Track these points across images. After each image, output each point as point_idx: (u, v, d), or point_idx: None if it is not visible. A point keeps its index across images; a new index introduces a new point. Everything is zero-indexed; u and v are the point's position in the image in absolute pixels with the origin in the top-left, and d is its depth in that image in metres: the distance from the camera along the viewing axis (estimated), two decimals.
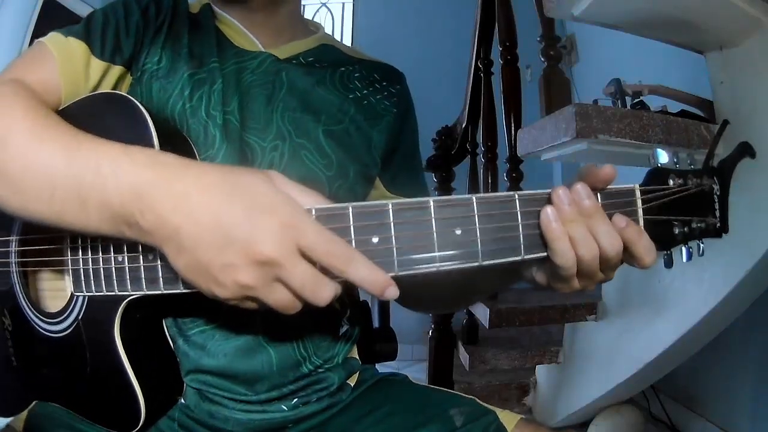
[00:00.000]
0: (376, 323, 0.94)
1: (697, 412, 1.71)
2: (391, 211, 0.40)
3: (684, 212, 0.45)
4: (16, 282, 0.58)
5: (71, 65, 0.54)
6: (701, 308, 1.15)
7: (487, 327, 1.48)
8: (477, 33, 1.88)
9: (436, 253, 0.40)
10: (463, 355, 1.72)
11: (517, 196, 0.41)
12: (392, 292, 0.39)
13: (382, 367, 0.74)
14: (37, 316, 0.56)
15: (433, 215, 0.40)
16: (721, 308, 1.12)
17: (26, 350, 0.58)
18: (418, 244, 0.40)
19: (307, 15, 3.44)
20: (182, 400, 0.58)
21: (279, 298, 0.38)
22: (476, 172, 1.93)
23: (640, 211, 0.44)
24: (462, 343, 1.75)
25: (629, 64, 1.91)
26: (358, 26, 3.37)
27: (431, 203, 0.40)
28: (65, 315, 0.53)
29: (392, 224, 0.40)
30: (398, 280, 0.40)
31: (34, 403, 0.57)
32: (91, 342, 0.51)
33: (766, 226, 0.97)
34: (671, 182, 0.44)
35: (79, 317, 0.51)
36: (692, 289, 1.19)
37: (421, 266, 0.40)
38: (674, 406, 1.80)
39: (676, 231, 0.45)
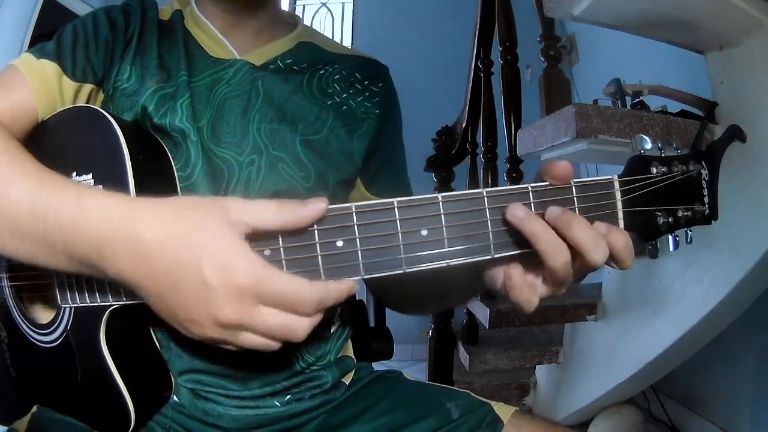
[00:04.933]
0: (372, 322, 0.94)
1: (697, 412, 1.71)
2: (354, 213, 0.39)
3: (669, 201, 0.42)
4: (9, 295, 0.58)
5: (46, 88, 0.55)
6: (701, 308, 1.15)
7: (487, 327, 1.48)
8: (477, 33, 1.88)
9: (402, 256, 0.39)
10: (463, 355, 1.72)
11: (485, 194, 0.40)
12: (355, 289, 0.40)
13: (379, 366, 0.74)
14: (29, 328, 0.57)
15: (397, 216, 0.39)
16: (721, 308, 1.12)
17: (22, 360, 0.59)
18: (383, 246, 0.39)
19: (307, 15, 3.44)
20: (176, 398, 0.58)
21: (252, 344, 0.39)
22: (476, 172, 1.93)
23: (619, 204, 0.42)
24: (462, 343, 1.75)
25: (629, 64, 1.91)
26: (358, 26, 3.38)
27: (395, 204, 0.39)
28: (55, 326, 0.53)
29: (356, 227, 0.39)
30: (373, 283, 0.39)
31: (35, 407, 0.58)
32: (80, 351, 0.51)
33: (766, 226, 0.97)
34: (654, 170, 0.42)
35: (68, 328, 0.52)
36: (692, 289, 1.19)
37: (386, 270, 0.40)
38: (674, 406, 1.80)
39: (660, 221, 0.42)
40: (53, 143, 0.53)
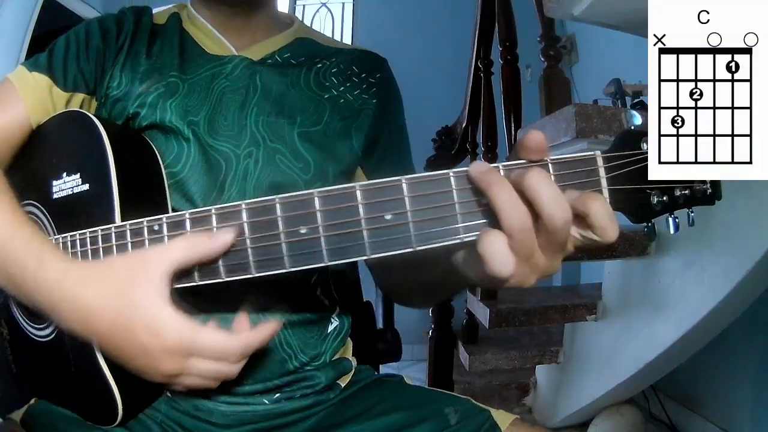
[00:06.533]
0: (380, 324, 0.94)
1: (697, 412, 1.71)
2: (316, 199, 0.39)
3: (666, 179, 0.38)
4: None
5: (38, 100, 0.58)
6: (701, 308, 1.15)
7: (487, 327, 1.48)
8: (477, 33, 1.88)
9: (366, 241, 0.38)
10: (463, 355, 1.72)
11: (451, 174, 0.38)
12: (279, 327, 0.47)
13: (385, 368, 0.74)
14: (27, 323, 0.58)
15: (359, 201, 0.38)
16: (721, 308, 1.12)
17: (21, 354, 0.60)
18: (346, 232, 0.39)
19: (307, 15, 3.44)
20: (168, 393, 0.58)
21: (193, 385, 0.45)
22: None
23: (604, 181, 0.38)
24: (462, 343, 1.75)
25: (629, 64, 1.90)
26: (358, 26, 3.38)
27: (357, 189, 0.38)
28: (48, 320, 0.55)
29: (318, 213, 0.39)
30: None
31: (33, 400, 0.59)
32: (71, 344, 0.52)
33: (766, 226, 0.97)
34: (645, 147, 0.38)
35: None
36: (692, 289, 1.19)
37: (350, 256, 0.39)
38: (674, 406, 1.80)
39: (654, 200, 0.39)
40: (45, 147, 0.57)
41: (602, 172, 0.38)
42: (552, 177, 0.37)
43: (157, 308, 0.42)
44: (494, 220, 0.37)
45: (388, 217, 0.38)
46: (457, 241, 0.38)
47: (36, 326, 0.57)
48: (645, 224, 0.40)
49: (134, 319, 0.42)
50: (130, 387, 0.51)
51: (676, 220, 0.40)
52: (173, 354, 0.42)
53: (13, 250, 0.46)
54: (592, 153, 0.38)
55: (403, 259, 0.39)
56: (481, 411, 0.60)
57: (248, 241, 0.41)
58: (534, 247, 0.36)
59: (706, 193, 0.39)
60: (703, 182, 0.39)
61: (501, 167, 0.38)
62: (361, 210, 0.38)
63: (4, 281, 0.48)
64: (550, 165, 0.38)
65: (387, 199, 0.38)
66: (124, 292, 0.43)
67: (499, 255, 0.36)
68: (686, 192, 0.39)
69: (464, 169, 0.38)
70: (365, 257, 0.39)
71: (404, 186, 0.38)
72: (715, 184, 0.39)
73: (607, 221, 0.36)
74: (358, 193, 0.38)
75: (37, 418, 0.57)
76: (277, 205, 0.40)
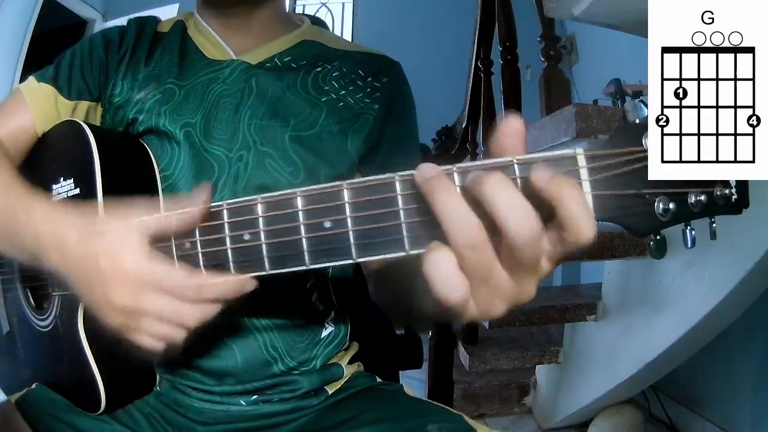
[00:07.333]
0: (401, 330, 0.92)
1: (697, 412, 1.71)
2: (259, 205, 0.38)
3: (673, 181, 0.31)
4: (19, 287, 0.64)
5: (44, 109, 0.62)
6: (701, 308, 1.15)
7: (487, 327, 1.48)
8: (477, 33, 1.89)
9: (304, 250, 0.37)
10: (463, 355, 1.72)
11: (397, 178, 0.34)
12: (250, 285, 0.41)
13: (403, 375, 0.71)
14: (32, 314, 0.62)
15: (299, 207, 0.37)
16: (721, 308, 1.12)
17: (27, 343, 0.65)
18: (285, 239, 0.37)
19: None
20: (158, 388, 0.60)
21: (151, 330, 0.42)
22: None
23: (586, 185, 0.31)
24: (462, 343, 1.74)
25: (629, 64, 1.91)
26: (358, 26, 3.38)
27: (297, 194, 0.37)
28: (48, 312, 0.59)
29: (260, 219, 0.38)
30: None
31: (34, 384, 0.62)
32: (65, 335, 0.56)
33: (766, 226, 0.97)
34: (645, 143, 0.32)
35: (57, 314, 0.57)
36: (692, 289, 1.19)
37: (290, 265, 0.38)
38: (674, 406, 1.80)
39: (660, 208, 0.31)
40: (47, 152, 0.63)
41: (584, 173, 0.32)
42: (518, 181, 0.31)
43: (124, 239, 0.41)
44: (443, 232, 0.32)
45: (327, 224, 0.36)
46: (402, 253, 0.34)
47: (39, 317, 0.60)
48: (652, 238, 0.34)
49: (99, 245, 0.42)
50: (115, 378, 0.54)
51: (693, 232, 0.32)
52: (128, 282, 0.40)
53: (9, 202, 0.50)
54: (572, 151, 0.32)
55: (386, 273, 0.38)
56: (469, 431, 0.57)
57: (199, 245, 0.41)
58: (491, 267, 0.31)
59: (730, 200, 0.32)
60: (726, 184, 0.32)
61: (455, 170, 0.33)
62: (300, 216, 0.37)
63: (4, 238, 0.51)
64: (516, 166, 0.32)
65: (326, 206, 0.36)
66: (99, 227, 0.44)
67: (448, 277, 0.30)
68: (702, 198, 0.32)
69: (412, 172, 0.33)
70: (304, 267, 0.37)
71: (345, 192, 0.36)
72: (742, 189, 0.32)
73: (582, 218, 0.29)
74: (299, 199, 0.37)
75: (31, 401, 0.59)
76: (224, 210, 0.40)
